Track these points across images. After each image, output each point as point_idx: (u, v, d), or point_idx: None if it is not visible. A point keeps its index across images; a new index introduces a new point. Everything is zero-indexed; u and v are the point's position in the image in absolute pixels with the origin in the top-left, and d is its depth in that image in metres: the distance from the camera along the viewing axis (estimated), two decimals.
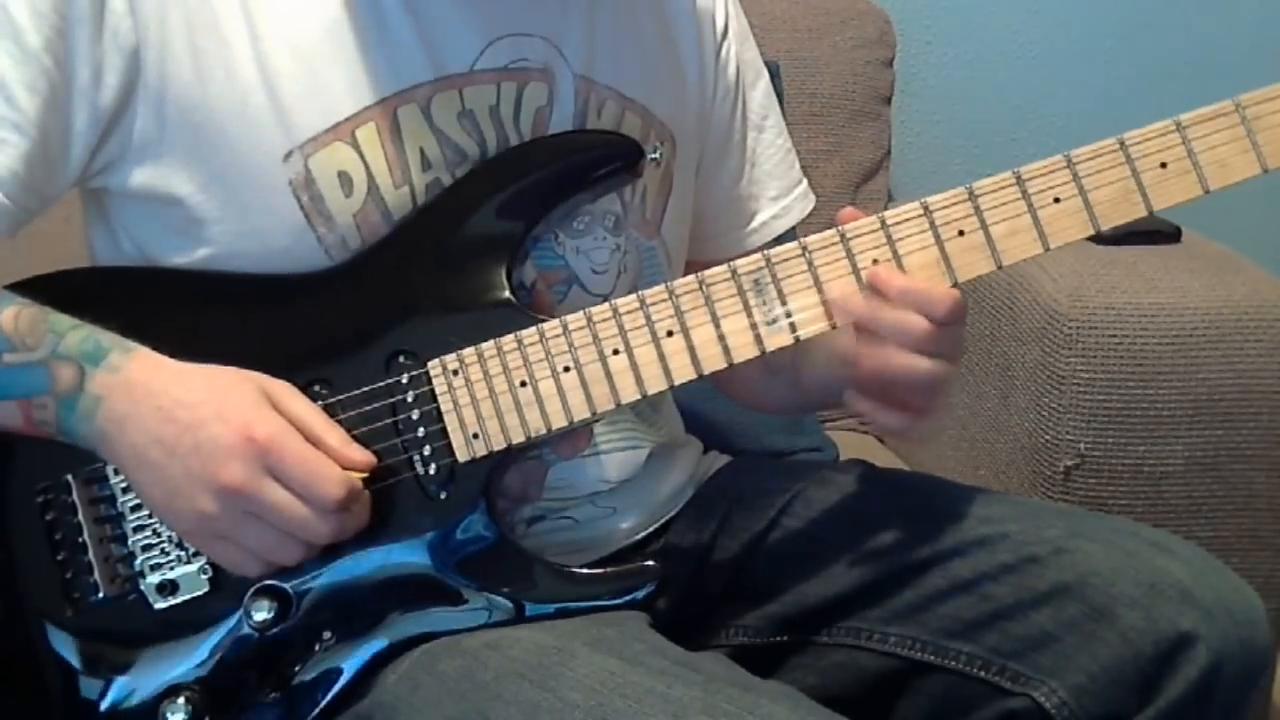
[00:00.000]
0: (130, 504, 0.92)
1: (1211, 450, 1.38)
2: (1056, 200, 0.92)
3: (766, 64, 1.21)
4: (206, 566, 0.91)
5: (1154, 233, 1.52)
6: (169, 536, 0.92)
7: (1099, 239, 1.47)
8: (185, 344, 0.89)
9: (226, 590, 0.92)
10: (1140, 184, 0.92)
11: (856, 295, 0.92)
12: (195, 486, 0.84)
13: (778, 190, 1.18)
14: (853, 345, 0.94)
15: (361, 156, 0.94)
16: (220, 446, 0.84)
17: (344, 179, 0.94)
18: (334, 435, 0.88)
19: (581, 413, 0.93)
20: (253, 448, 0.84)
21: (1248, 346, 1.37)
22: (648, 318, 0.92)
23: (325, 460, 0.86)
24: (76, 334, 0.87)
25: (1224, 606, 0.95)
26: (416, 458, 0.92)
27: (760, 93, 1.18)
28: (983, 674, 0.99)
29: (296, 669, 0.92)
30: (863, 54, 1.84)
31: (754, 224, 1.17)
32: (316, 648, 0.92)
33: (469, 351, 0.93)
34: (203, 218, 0.94)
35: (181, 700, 0.91)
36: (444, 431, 0.92)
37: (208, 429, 0.84)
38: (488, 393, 0.92)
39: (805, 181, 1.21)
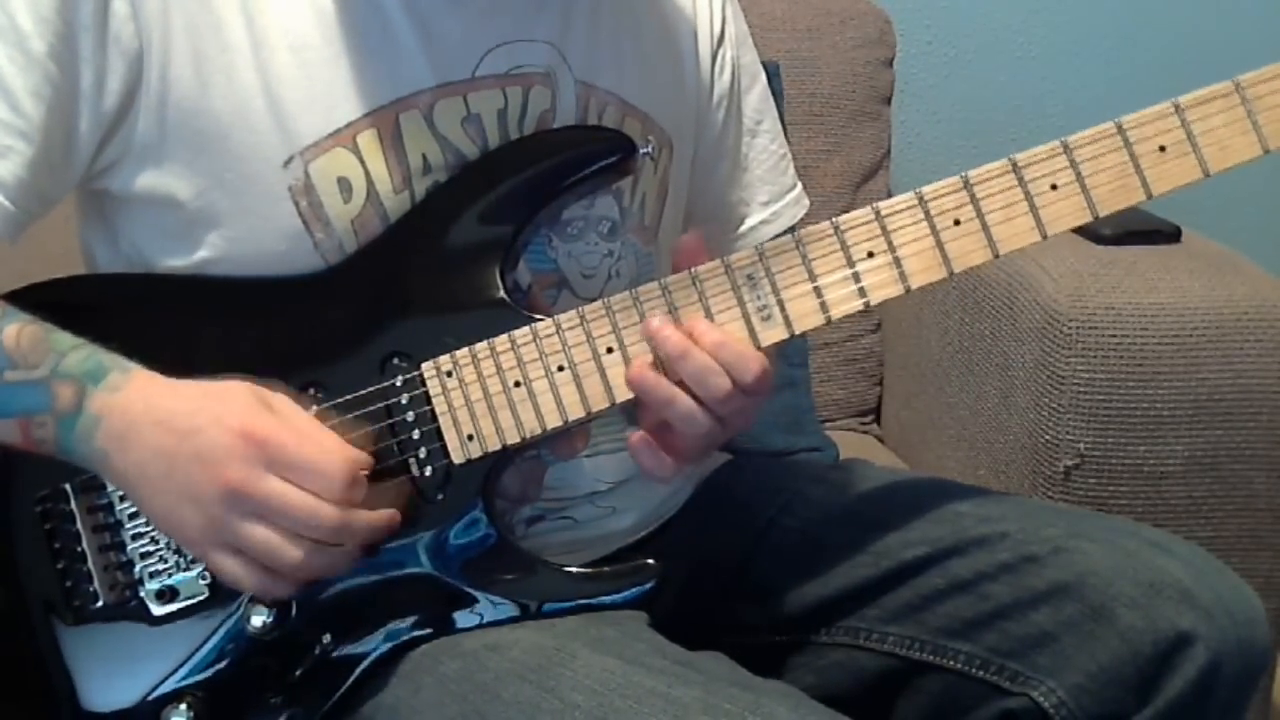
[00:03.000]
0: (128, 511, 0.92)
1: (1211, 450, 1.37)
2: (1054, 187, 0.91)
3: (766, 64, 1.20)
4: (205, 572, 0.91)
5: (1154, 233, 1.51)
6: (167, 543, 0.92)
7: (1099, 239, 1.48)
8: (181, 350, 0.89)
9: (226, 595, 0.91)
10: (1139, 168, 0.91)
11: (671, 330, 0.91)
12: (200, 494, 0.84)
13: (768, 195, 1.18)
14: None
15: (362, 162, 0.94)
16: (220, 449, 0.83)
17: (343, 184, 0.94)
18: (328, 436, 0.88)
19: (576, 412, 0.92)
20: (251, 446, 0.83)
21: (1248, 346, 1.37)
22: (642, 315, 0.92)
23: (325, 444, 0.86)
24: (78, 353, 0.87)
25: (1223, 606, 0.95)
26: (413, 460, 0.92)
27: (755, 97, 1.18)
28: (981, 673, 0.99)
29: (297, 672, 0.92)
30: (863, 54, 1.83)
31: (743, 228, 1.17)
32: (317, 651, 0.92)
33: (463, 352, 0.92)
34: (201, 221, 0.94)
35: (184, 706, 0.91)
36: (439, 433, 0.92)
37: (206, 434, 0.84)
38: (482, 394, 0.92)
39: (799, 187, 1.21)
